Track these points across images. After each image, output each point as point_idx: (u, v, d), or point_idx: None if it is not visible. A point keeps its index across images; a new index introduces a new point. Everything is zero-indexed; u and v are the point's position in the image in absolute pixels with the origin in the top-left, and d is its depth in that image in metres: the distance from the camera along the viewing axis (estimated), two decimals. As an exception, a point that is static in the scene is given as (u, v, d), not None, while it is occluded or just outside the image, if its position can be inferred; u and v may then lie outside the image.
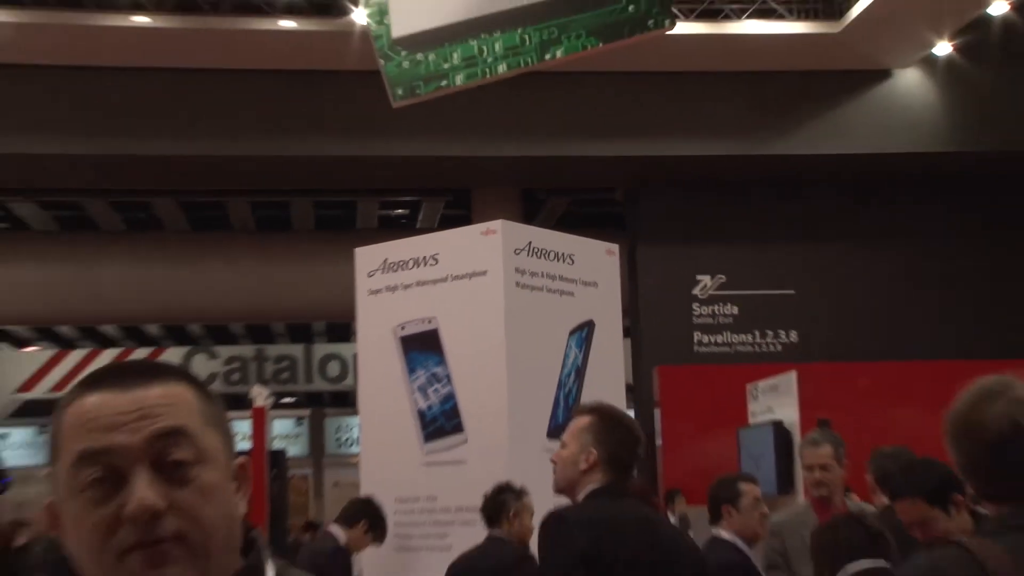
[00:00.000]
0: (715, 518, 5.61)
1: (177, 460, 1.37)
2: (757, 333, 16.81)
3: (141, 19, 14.59)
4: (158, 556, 1.33)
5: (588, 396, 7.37)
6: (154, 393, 1.40)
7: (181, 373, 1.48)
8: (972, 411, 2.53)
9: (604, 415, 4.40)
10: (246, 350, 26.56)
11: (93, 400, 1.39)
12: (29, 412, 24.86)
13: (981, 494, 2.66)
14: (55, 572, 3.81)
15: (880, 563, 3.78)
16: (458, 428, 7.05)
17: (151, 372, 1.44)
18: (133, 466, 1.34)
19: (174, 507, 1.33)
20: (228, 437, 1.48)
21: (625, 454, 4.29)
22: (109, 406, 1.38)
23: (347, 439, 26.29)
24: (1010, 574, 2.26)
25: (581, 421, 4.35)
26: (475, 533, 6.37)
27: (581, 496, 4.23)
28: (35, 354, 26.35)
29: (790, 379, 11.42)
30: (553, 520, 4.18)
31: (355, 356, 9.53)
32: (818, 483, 6.12)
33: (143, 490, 1.32)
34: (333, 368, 25.97)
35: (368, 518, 7.06)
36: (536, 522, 5.20)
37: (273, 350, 26.40)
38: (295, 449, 25.15)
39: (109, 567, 1.34)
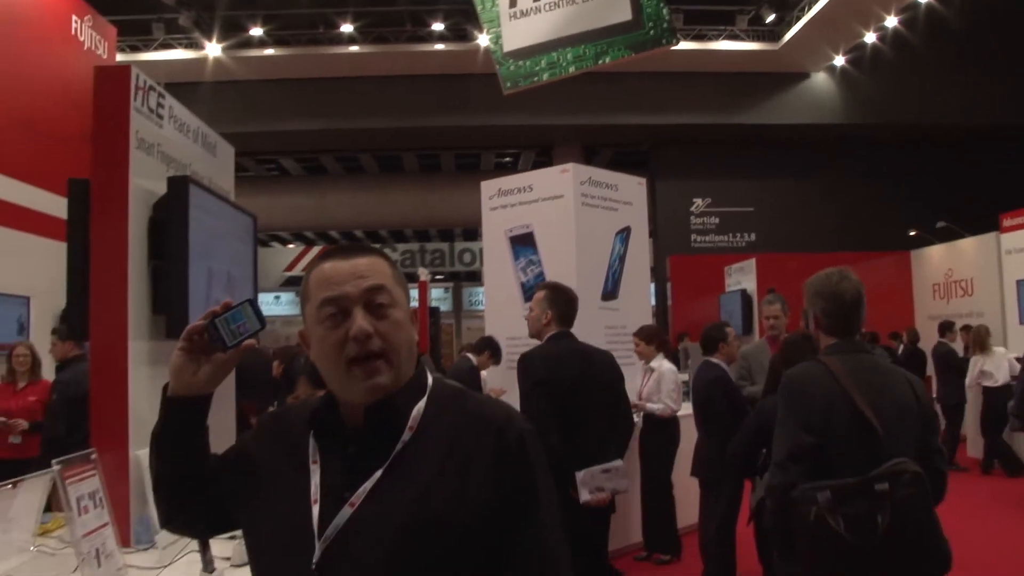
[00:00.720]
0: (710, 350, 5.59)
1: (379, 303, 1.41)
2: (730, 235, 16.74)
3: (355, 48, 14.80)
4: (371, 368, 1.38)
5: (626, 276, 7.36)
6: (364, 262, 1.44)
7: (378, 251, 1.49)
8: (836, 286, 2.82)
9: (554, 288, 4.50)
10: (413, 246, 26.72)
11: (328, 266, 1.44)
12: (291, 283, 25.36)
13: (825, 330, 2.87)
14: (311, 373, 3.90)
15: None
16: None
17: (361, 249, 1.48)
18: (354, 306, 1.39)
19: (378, 332, 1.38)
20: (407, 292, 1.50)
21: (568, 312, 4.41)
22: (339, 270, 1.42)
23: (476, 301, 26.37)
24: (842, 374, 2.66)
25: (540, 293, 4.45)
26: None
27: (544, 340, 4.35)
28: (292, 249, 26.78)
29: (751, 263, 11.37)
30: (523, 358, 4.35)
31: (481, 250, 9.56)
32: (772, 327, 6.13)
33: (360, 320, 1.38)
34: (467, 257, 26.08)
35: (490, 349, 7.13)
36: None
37: (430, 246, 26.54)
38: (444, 307, 25.29)
39: (341, 372, 1.39)
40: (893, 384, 2.74)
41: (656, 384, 6.39)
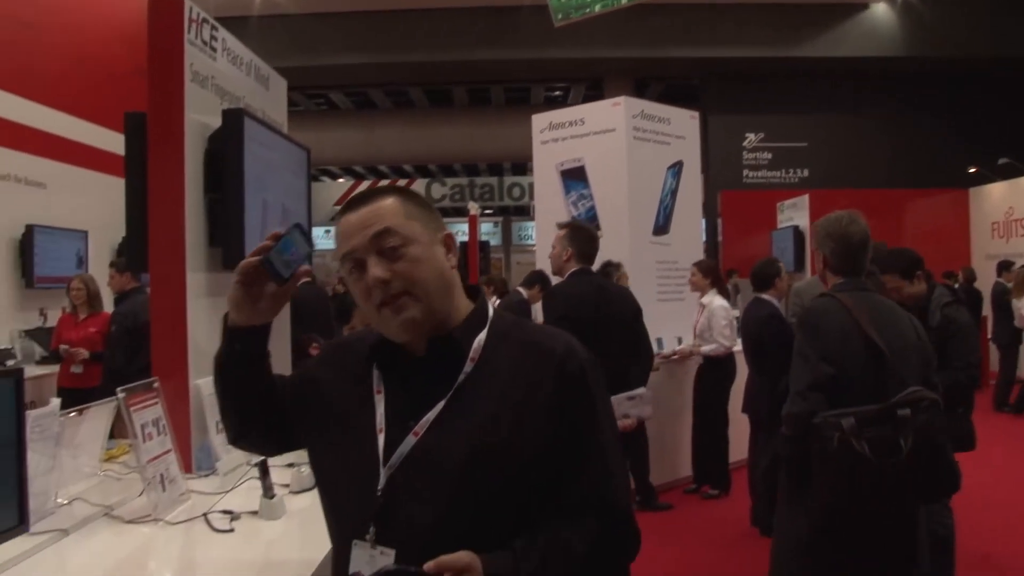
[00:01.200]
0: (762, 286, 5.53)
1: (391, 246, 1.41)
2: (783, 170, 16.36)
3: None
4: (397, 307, 1.41)
5: (677, 211, 7.34)
6: (368, 210, 1.44)
7: (388, 191, 1.49)
8: (845, 228, 3.02)
9: (574, 227, 4.63)
10: (463, 180, 26.60)
11: (343, 220, 1.47)
12: (339, 218, 25.45)
13: (833, 270, 3.07)
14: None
15: None
16: (596, 227, 7.03)
17: (370, 196, 1.48)
18: (367, 256, 1.41)
19: (395, 275, 1.40)
20: (431, 222, 1.48)
21: (588, 250, 4.50)
22: (349, 223, 1.45)
23: (525, 235, 26.30)
24: (852, 305, 2.83)
25: (561, 232, 4.53)
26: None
27: (565, 276, 4.48)
28: (343, 183, 26.85)
29: (804, 199, 11.20)
30: (547, 293, 4.69)
31: (530, 184, 9.48)
32: None
33: (373, 269, 1.40)
34: (516, 191, 25.93)
35: (540, 282, 7.13)
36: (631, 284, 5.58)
37: (480, 180, 26.41)
38: (494, 241, 25.23)
39: (374, 314, 1.44)
40: (898, 321, 2.93)
41: (707, 321, 6.37)
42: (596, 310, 4.30)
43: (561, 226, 4.63)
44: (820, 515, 2.69)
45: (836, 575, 2.75)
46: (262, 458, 2.55)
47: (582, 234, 4.54)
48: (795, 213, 11.52)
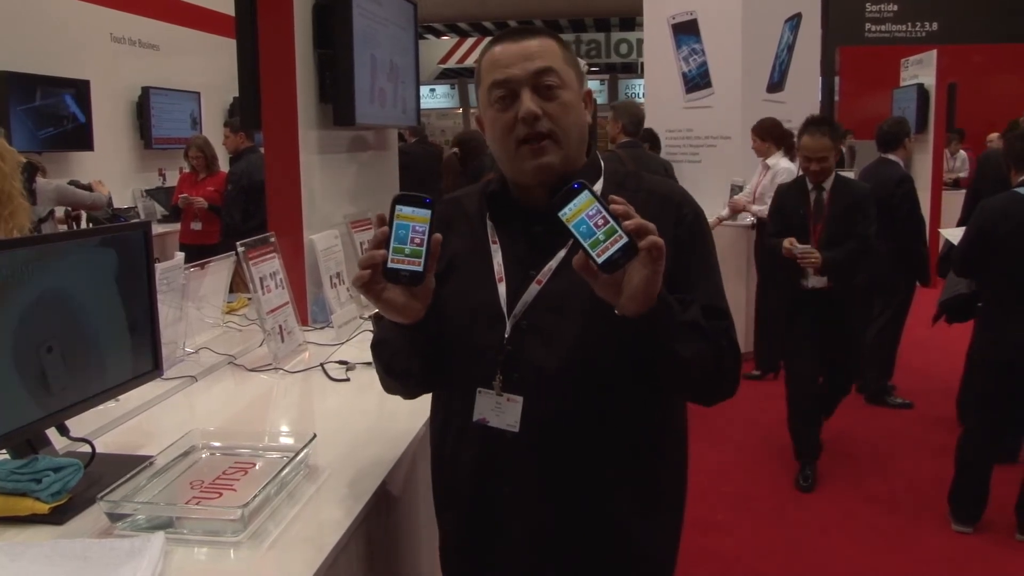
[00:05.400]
0: (891, 146, 5.28)
1: (548, 85, 1.42)
2: (909, 24, 15.32)
3: None
4: (538, 148, 1.41)
5: (793, 67, 7.08)
6: (533, 43, 1.44)
7: (550, 32, 1.50)
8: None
9: (616, 105, 5.81)
10: (569, 36, 25.91)
11: (498, 49, 1.46)
12: (444, 76, 25.28)
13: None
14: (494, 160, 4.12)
15: None
16: (708, 84, 6.88)
17: (531, 31, 1.47)
18: (522, 88, 1.41)
19: (546, 114, 1.41)
20: (579, 72, 1.50)
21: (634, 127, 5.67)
22: (508, 52, 1.44)
23: (632, 94, 25.64)
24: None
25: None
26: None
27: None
28: (447, 41, 26.46)
29: (931, 55, 10.55)
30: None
31: (639, 40, 9.12)
32: None
33: (527, 102, 1.40)
34: (623, 48, 25.17)
35: (649, 141, 6.96)
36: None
37: (586, 36, 25.70)
38: (600, 99, 24.75)
39: (511, 153, 1.43)
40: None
41: (771, 183, 5.90)
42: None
43: (614, 107, 5.88)
44: None
45: None
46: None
47: (626, 110, 5.59)
48: (920, 70, 10.88)
